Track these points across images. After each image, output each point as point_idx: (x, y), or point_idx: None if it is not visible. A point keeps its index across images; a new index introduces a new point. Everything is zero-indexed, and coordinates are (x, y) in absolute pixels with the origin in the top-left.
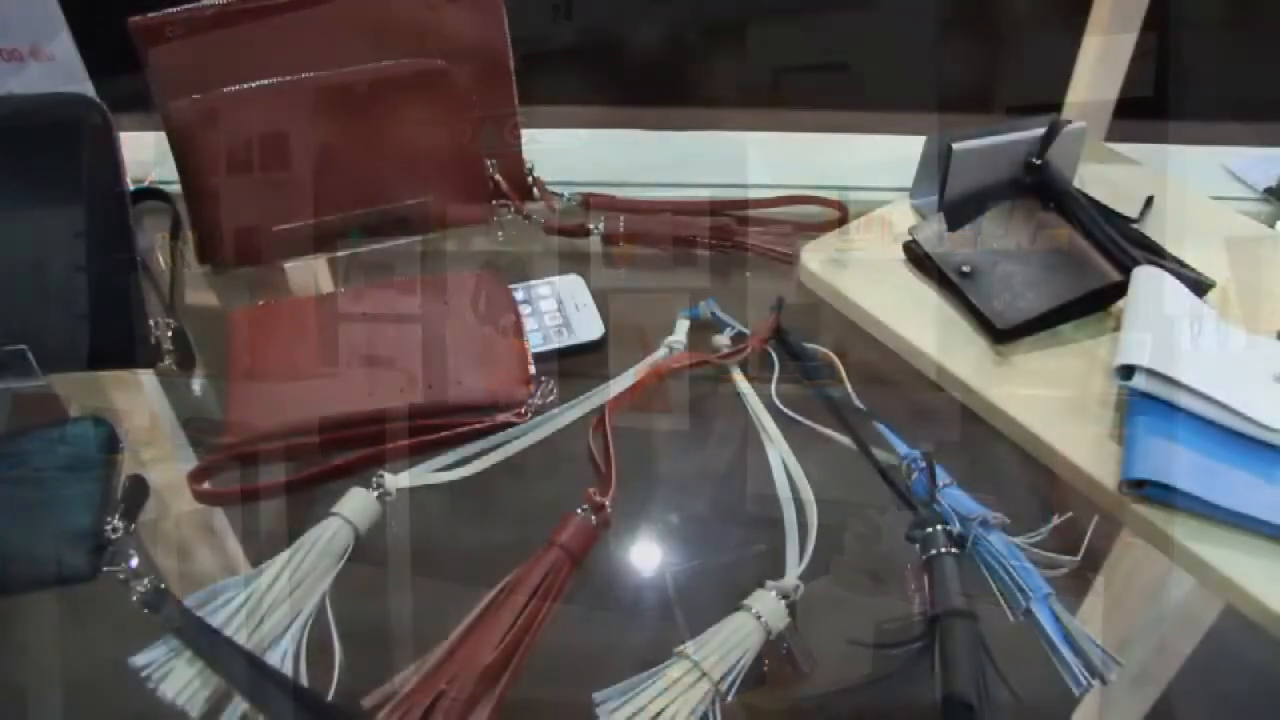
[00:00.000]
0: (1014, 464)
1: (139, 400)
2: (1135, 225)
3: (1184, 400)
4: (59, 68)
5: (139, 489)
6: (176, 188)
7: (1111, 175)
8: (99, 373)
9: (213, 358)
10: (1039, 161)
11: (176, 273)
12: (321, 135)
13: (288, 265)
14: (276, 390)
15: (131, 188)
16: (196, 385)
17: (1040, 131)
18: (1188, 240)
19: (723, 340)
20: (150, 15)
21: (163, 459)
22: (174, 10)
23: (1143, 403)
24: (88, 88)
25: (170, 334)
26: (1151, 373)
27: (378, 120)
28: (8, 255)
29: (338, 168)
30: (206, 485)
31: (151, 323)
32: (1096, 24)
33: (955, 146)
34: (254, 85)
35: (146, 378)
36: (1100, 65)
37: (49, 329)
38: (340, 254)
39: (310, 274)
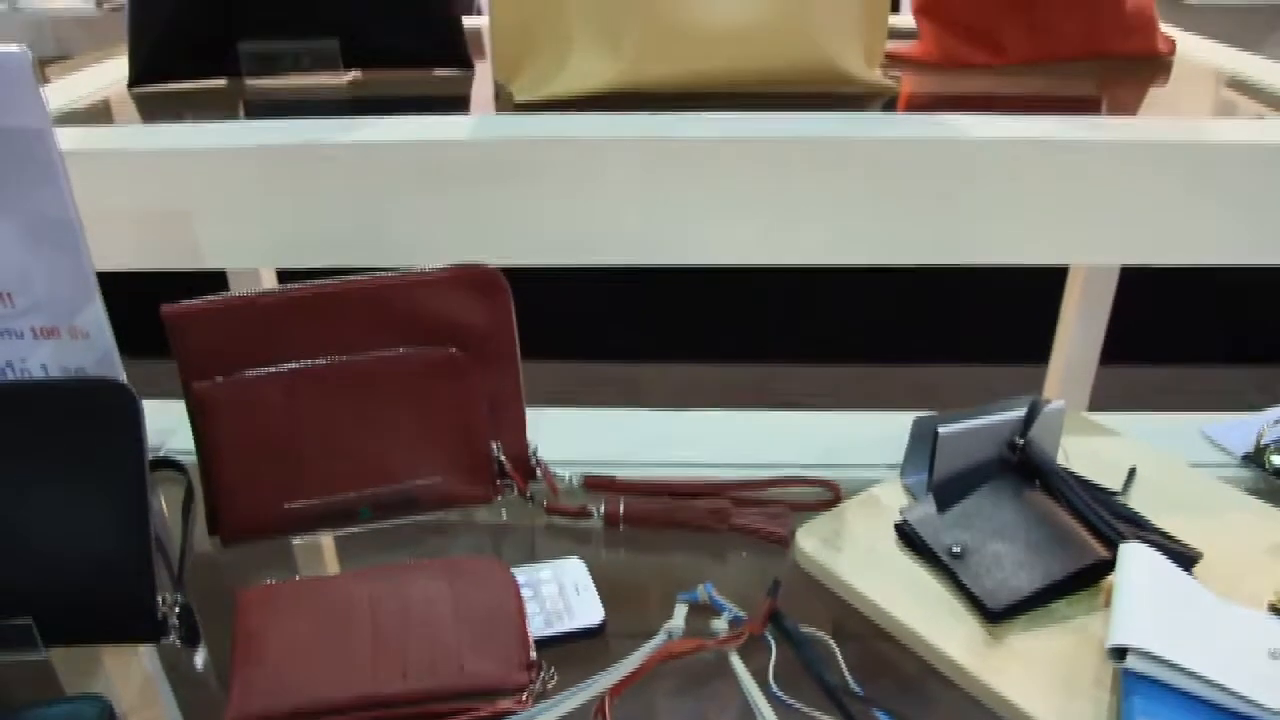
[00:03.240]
0: None
1: (137, 674)
2: (1119, 498)
3: (1179, 681)
4: (91, 345)
5: None
6: (190, 458)
7: (1094, 447)
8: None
9: (217, 633)
10: (1022, 441)
11: (186, 545)
12: (336, 417)
13: (296, 541)
14: (280, 672)
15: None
16: (199, 661)
17: (1022, 412)
18: (1171, 511)
19: (721, 625)
20: (182, 304)
21: None
22: (204, 300)
23: (1138, 683)
24: (118, 366)
25: (177, 609)
26: (1144, 654)
27: (390, 403)
28: (24, 529)
29: (350, 448)
30: None
31: (159, 598)
32: (1071, 293)
33: (941, 431)
34: (274, 370)
35: (147, 651)
36: (1079, 330)
37: (57, 602)
38: (348, 531)
39: (318, 550)
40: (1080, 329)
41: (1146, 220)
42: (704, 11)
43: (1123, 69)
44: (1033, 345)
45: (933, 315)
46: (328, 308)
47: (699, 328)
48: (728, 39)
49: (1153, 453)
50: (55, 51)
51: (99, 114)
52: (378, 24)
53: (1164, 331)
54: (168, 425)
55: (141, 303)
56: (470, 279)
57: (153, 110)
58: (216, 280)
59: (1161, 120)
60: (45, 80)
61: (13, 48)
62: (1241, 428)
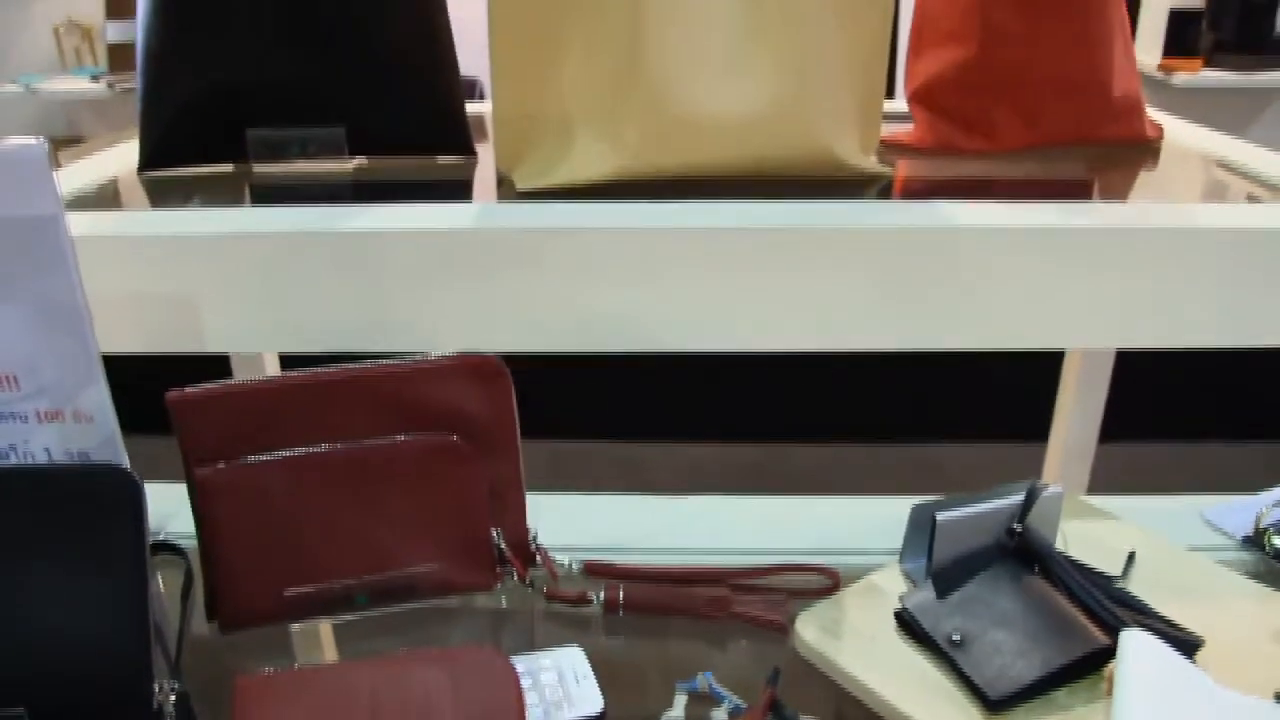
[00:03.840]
0: None
1: None
2: (1119, 583)
3: None
4: (94, 428)
5: None
6: (190, 542)
7: (1092, 531)
8: None
9: None
10: (1020, 527)
11: (184, 632)
12: (337, 503)
13: (294, 627)
14: None
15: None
16: None
17: (1020, 498)
18: (1172, 596)
19: (721, 714)
20: (187, 391)
21: None
22: (209, 386)
23: None
24: (120, 449)
25: (174, 697)
26: None
27: (391, 490)
28: (20, 615)
29: (350, 535)
30: None
31: (156, 686)
32: (1069, 375)
33: (939, 517)
34: (276, 456)
35: None
36: (1077, 411)
37: (51, 690)
38: (348, 617)
39: (316, 637)
40: (1078, 410)
41: (1141, 305)
42: (703, 103)
43: (1113, 154)
44: (1032, 422)
45: (932, 394)
46: (331, 395)
47: (699, 406)
48: (727, 129)
49: (1152, 537)
50: (67, 132)
51: (108, 199)
52: (384, 112)
53: (1164, 409)
54: (168, 509)
55: (142, 380)
56: (472, 367)
57: (161, 195)
58: (219, 361)
59: (1152, 206)
60: (58, 164)
61: (31, 141)
62: (1240, 510)
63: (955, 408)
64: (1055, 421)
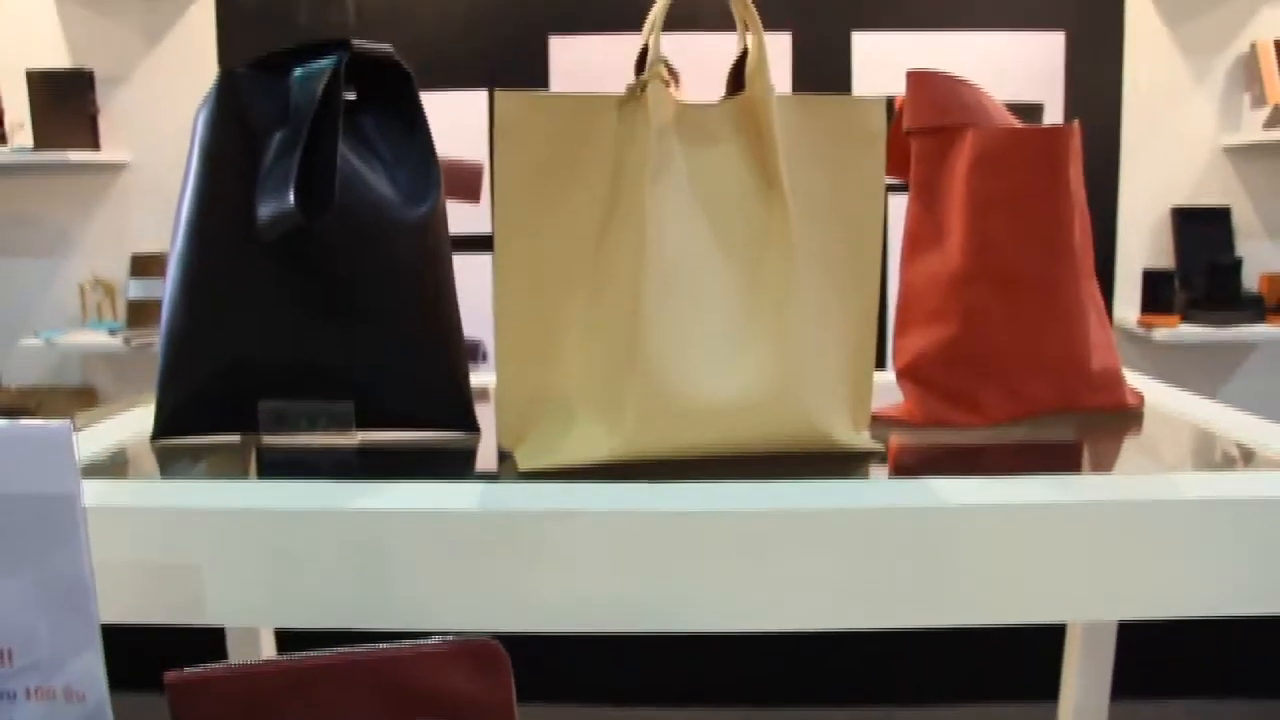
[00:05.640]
0: None
1: None
2: None
3: None
4: (83, 707)
5: None
6: None
7: None
8: None
9: None
10: None
11: None
12: None
13: None
14: None
15: None
16: None
17: None
18: None
19: None
20: (186, 672)
21: None
22: (209, 668)
23: None
24: None
25: None
26: None
27: None
28: None
29: None
30: None
31: None
32: (1073, 643)
33: None
34: None
35: None
36: (1084, 678)
37: None
38: None
39: None
40: (1085, 673)
41: (1136, 576)
42: (700, 387)
43: (1097, 422)
44: (1044, 680)
45: (944, 653)
46: (328, 679)
47: (699, 669)
48: (724, 412)
49: None
50: (81, 382)
51: (119, 467)
52: (392, 391)
53: (1176, 664)
54: None
55: (131, 637)
56: (471, 653)
57: (170, 464)
58: (213, 630)
59: (1140, 478)
60: (75, 428)
61: (57, 422)
62: None
63: (966, 667)
64: (1064, 686)
